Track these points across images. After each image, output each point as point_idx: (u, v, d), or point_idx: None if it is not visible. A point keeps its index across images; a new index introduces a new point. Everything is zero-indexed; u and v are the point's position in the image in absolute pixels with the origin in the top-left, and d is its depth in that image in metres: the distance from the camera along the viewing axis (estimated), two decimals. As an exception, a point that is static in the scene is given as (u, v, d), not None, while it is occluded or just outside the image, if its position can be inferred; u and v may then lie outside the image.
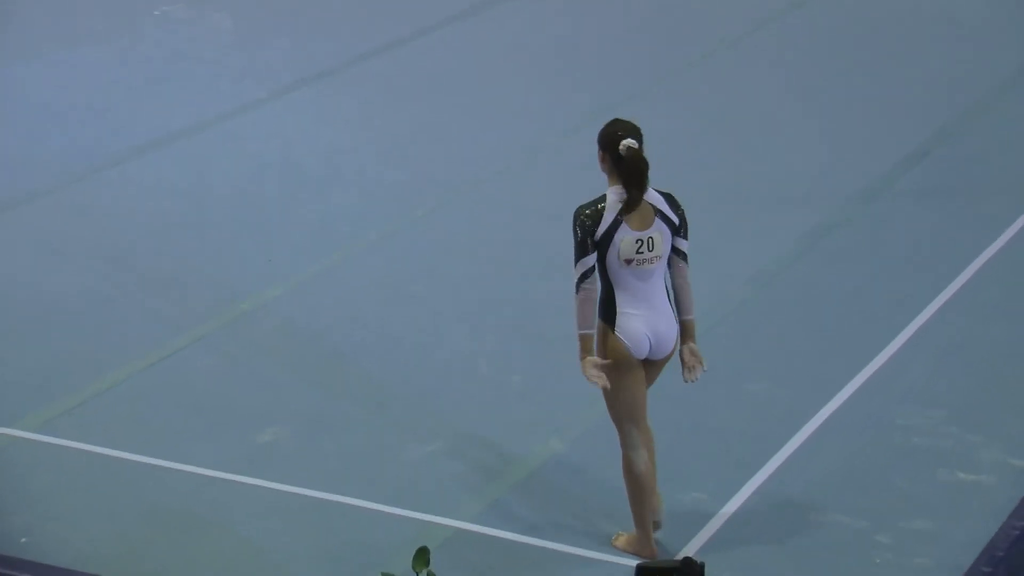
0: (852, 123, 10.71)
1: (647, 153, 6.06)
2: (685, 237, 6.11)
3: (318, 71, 11.55)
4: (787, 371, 7.55)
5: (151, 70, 11.54)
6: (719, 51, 12.18)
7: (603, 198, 6.01)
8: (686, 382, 6.13)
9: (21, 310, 8.17)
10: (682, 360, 6.12)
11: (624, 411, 6.13)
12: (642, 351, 6.05)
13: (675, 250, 6.09)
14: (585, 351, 6.00)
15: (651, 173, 6.06)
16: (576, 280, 5.99)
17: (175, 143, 10.28)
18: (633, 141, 6.03)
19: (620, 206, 5.99)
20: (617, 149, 6.03)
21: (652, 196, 6.05)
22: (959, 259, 8.62)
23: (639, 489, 6.14)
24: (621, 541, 6.28)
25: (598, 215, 5.99)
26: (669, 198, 6.10)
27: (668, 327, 6.09)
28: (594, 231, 5.98)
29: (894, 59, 11.87)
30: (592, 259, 5.98)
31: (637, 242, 5.99)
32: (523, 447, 6.93)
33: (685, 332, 6.13)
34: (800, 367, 7.59)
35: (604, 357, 6.04)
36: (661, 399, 6.43)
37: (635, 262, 6.01)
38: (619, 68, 11.79)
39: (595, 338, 6.05)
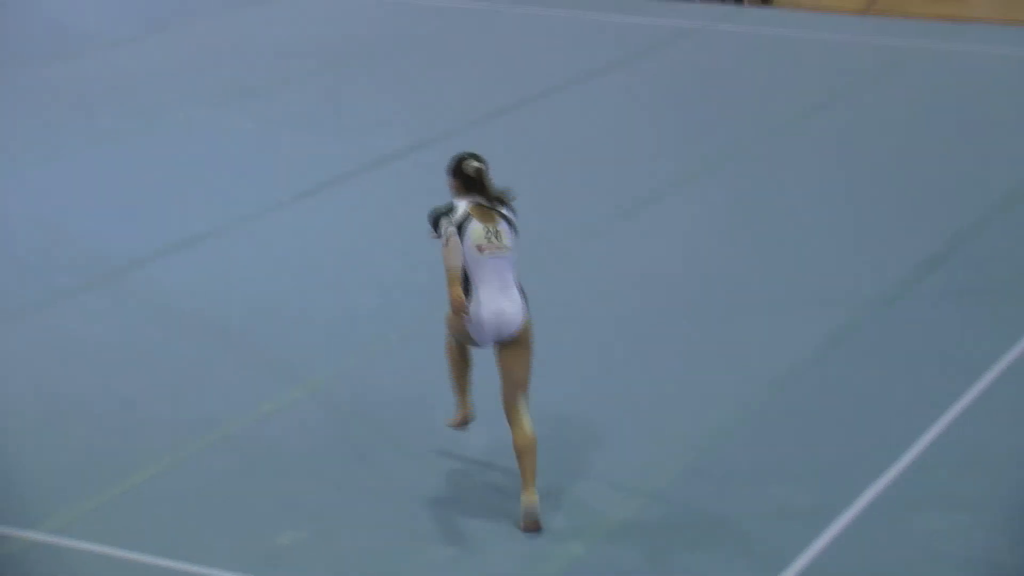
0: (874, 223, 10.73)
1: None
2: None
3: (339, 172, 11.62)
4: (810, 473, 7.52)
5: (174, 172, 11.63)
6: (743, 151, 12.24)
7: (452, 204, 7.11)
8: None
9: (42, 411, 8.18)
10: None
11: (456, 331, 7.14)
12: (482, 337, 7.07)
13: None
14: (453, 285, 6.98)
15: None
16: (445, 236, 6.99)
17: (197, 244, 10.33)
18: (476, 161, 7.21)
19: (468, 207, 7.07)
20: (463, 171, 7.20)
21: (495, 205, 7.16)
22: (981, 360, 8.60)
23: (457, 363, 7.29)
24: (452, 421, 7.44)
25: (451, 209, 7.07)
26: (501, 200, 7.19)
27: (512, 311, 7.05)
28: (446, 223, 7.03)
29: (915, 160, 11.93)
30: (453, 229, 7.00)
31: (486, 232, 7.05)
32: (541, 550, 6.89)
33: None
34: (823, 469, 7.55)
35: (453, 323, 7.12)
36: (683, 504, 6.39)
37: (487, 250, 7.03)
38: (641, 166, 11.85)
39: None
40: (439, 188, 11.24)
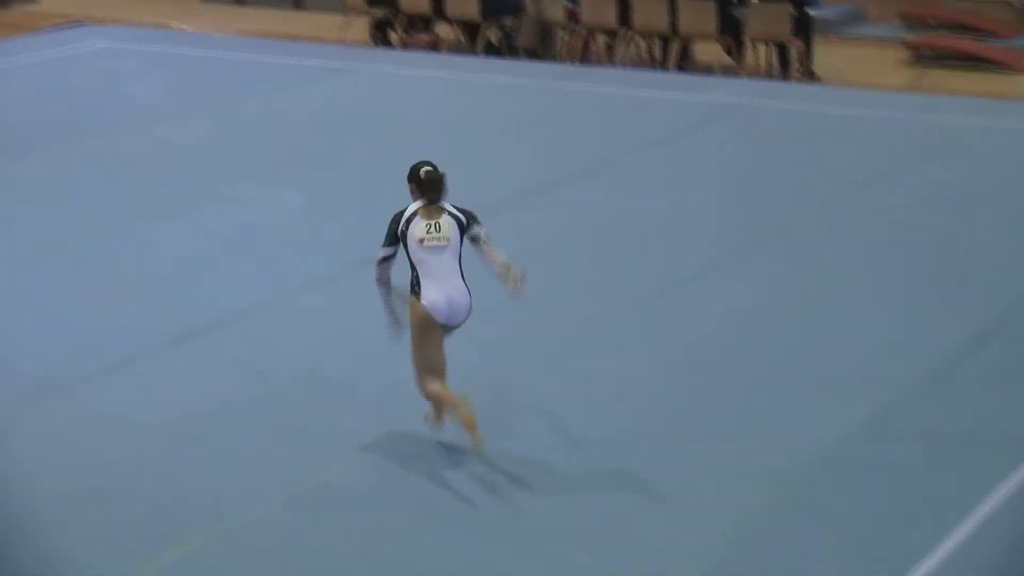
0: (922, 300, 10.70)
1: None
2: (478, 223, 8.23)
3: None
4: (853, 552, 7.46)
5: (221, 246, 11.71)
6: (790, 227, 12.24)
7: (413, 217, 8.14)
8: (509, 295, 8.06)
9: (84, 484, 8.21)
10: (504, 281, 8.10)
11: (422, 365, 8.18)
12: (440, 316, 8.08)
13: (472, 238, 8.21)
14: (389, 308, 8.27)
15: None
16: (378, 259, 8.17)
17: (242, 318, 10.38)
18: (430, 167, 8.23)
19: (417, 207, 8.12)
20: (418, 175, 8.20)
21: (444, 204, 8.17)
22: (1028, 441, 8.55)
23: (444, 397, 8.15)
24: (474, 445, 8.09)
25: (404, 214, 8.17)
26: (456, 207, 8.21)
27: (460, 299, 8.11)
28: (399, 223, 8.14)
29: (963, 237, 11.90)
30: (392, 251, 8.15)
31: (426, 225, 8.09)
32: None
33: (503, 270, 8.14)
34: (866, 549, 7.49)
35: (413, 321, 8.07)
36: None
37: (426, 240, 8.08)
38: (688, 241, 11.85)
39: (406, 308, 8.13)
40: (478, 264, 11.35)
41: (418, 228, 8.11)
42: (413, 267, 8.14)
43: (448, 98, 16.48)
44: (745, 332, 10.18)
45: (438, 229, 8.12)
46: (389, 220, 8.17)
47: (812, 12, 18.11)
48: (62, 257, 11.49)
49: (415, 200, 8.19)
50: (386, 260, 8.20)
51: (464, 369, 8.70)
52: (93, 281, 11.02)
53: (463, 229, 8.18)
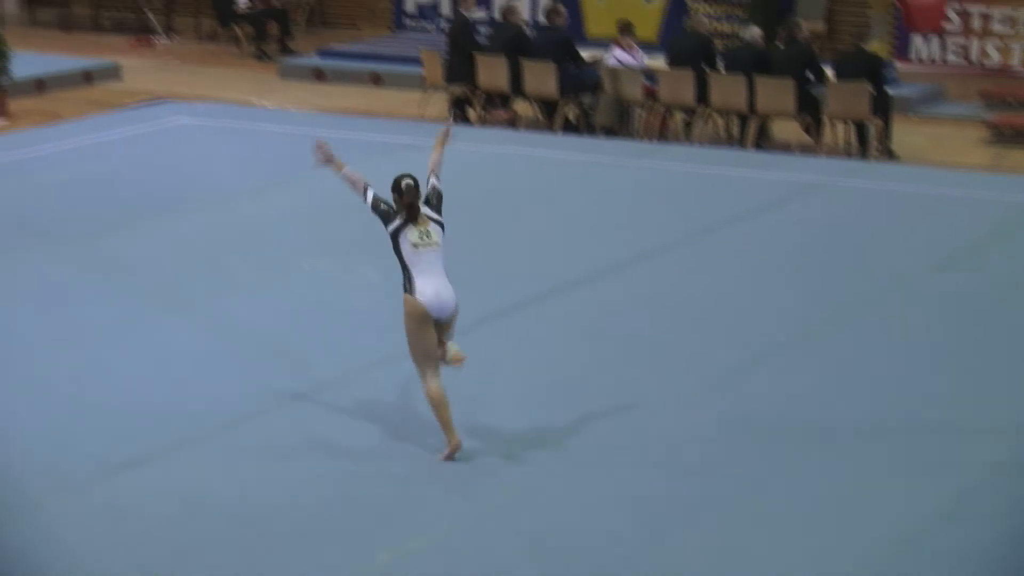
0: (996, 384, 10.64)
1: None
2: (440, 193, 9.46)
3: (462, 323, 11.68)
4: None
5: (296, 323, 11.78)
6: (867, 306, 12.20)
7: (394, 208, 9.25)
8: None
9: (156, 559, 8.24)
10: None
11: (420, 356, 9.22)
12: (432, 310, 9.13)
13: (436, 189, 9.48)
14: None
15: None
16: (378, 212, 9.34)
17: (318, 394, 10.43)
18: (410, 180, 9.25)
19: (405, 216, 9.17)
20: (400, 187, 9.24)
21: (425, 211, 9.28)
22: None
23: (439, 404, 9.18)
24: (444, 455, 9.20)
25: (393, 213, 9.27)
26: (430, 206, 9.34)
27: (448, 295, 9.21)
28: (388, 215, 9.32)
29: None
30: (371, 197, 9.42)
31: (419, 233, 9.18)
32: None
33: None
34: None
35: (411, 316, 9.15)
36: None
37: (420, 245, 9.17)
38: (764, 319, 11.83)
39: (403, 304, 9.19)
40: (565, 338, 11.41)
41: (412, 235, 9.22)
42: (405, 267, 9.24)
43: (525, 175, 16.55)
44: (821, 412, 10.13)
45: (429, 236, 9.24)
46: (387, 195, 9.32)
47: (891, 91, 18.10)
48: (141, 332, 11.59)
49: (397, 207, 9.28)
50: (365, 192, 9.46)
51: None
52: (172, 356, 11.11)
53: (443, 228, 9.36)
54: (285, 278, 12.80)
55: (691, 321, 11.89)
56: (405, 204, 9.24)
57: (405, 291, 9.24)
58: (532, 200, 15.47)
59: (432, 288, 9.20)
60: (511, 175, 16.57)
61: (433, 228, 9.27)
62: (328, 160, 9.64)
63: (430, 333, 9.24)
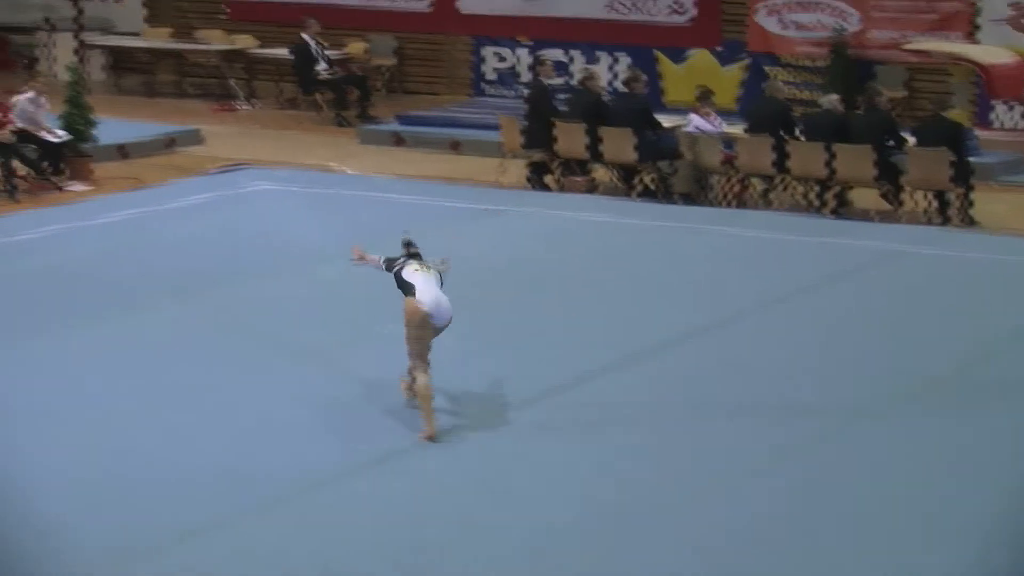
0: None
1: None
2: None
3: (535, 392, 11.70)
4: None
5: (371, 388, 11.81)
6: (950, 375, 12.11)
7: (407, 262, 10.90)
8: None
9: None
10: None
11: (416, 354, 10.67)
12: (432, 315, 10.50)
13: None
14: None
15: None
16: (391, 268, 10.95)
17: (393, 458, 10.44)
18: (414, 244, 11.01)
19: (414, 265, 10.80)
20: (408, 248, 11.00)
21: (427, 262, 10.88)
22: None
23: (425, 397, 10.62)
24: (423, 436, 10.57)
25: (401, 265, 10.87)
26: (436, 267, 10.90)
27: (446, 304, 10.62)
28: (393, 261, 10.96)
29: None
30: (384, 260, 11.04)
31: (418, 266, 10.80)
32: None
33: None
34: None
35: (413, 317, 10.53)
36: None
37: (419, 270, 10.73)
38: (841, 389, 11.75)
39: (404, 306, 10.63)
40: (643, 407, 11.38)
41: (412, 266, 10.78)
42: (406, 284, 10.68)
43: (603, 241, 16.57)
44: (899, 484, 10.04)
45: (428, 270, 10.77)
46: (389, 260, 11.00)
47: (972, 158, 18.02)
48: (220, 395, 11.66)
49: (402, 255, 10.99)
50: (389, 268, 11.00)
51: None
52: (251, 419, 11.16)
53: (440, 283, 10.80)
54: (364, 343, 12.84)
55: (768, 388, 11.83)
56: (410, 252, 10.95)
57: (408, 296, 10.58)
58: (609, 266, 15.47)
59: (431, 296, 10.54)
60: (589, 241, 16.59)
61: (433, 274, 10.76)
62: (363, 260, 11.20)
63: (427, 335, 10.59)
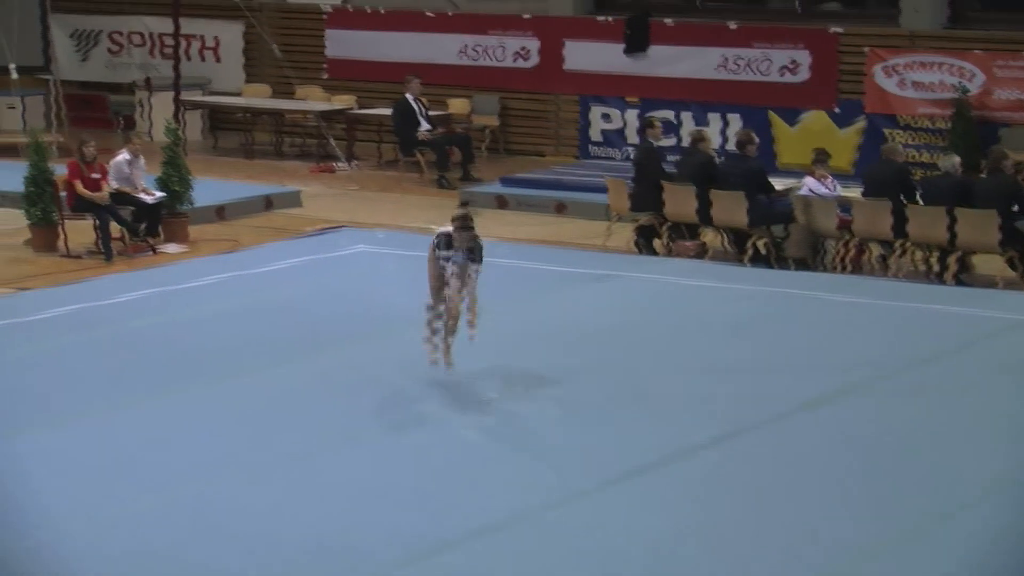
0: None
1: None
2: (480, 260, 13.23)
3: (644, 462, 11.60)
4: None
5: (474, 457, 11.76)
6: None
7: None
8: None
9: None
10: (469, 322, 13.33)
11: (429, 310, 13.25)
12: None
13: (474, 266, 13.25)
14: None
15: None
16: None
17: (495, 533, 10.37)
18: (462, 208, 13.34)
19: (451, 233, 13.10)
20: (455, 215, 13.15)
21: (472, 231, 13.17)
22: None
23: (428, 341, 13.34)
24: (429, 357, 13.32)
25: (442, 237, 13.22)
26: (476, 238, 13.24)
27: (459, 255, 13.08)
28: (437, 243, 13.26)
29: None
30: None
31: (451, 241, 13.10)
32: None
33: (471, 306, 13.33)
34: None
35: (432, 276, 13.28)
36: None
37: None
38: (965, 463, 11.55)
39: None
40: (755, 481, 11.24)
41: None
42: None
43: (712, 307, 16.45)
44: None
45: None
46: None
47: (1101, 224, 17.76)
48: (307, 465, 11.65)
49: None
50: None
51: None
52: (346, 489, 11.14)
53: (472, 250, 13.07)
54: (463, 413, 12.80)
55: (887, 462, 11.65)
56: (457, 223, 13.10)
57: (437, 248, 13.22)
58: (719, 334, 15.34)
59: (444, 230, 13.23)
60: (698, 308, 16.47)
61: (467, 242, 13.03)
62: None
63: (441, 299, 13.12)
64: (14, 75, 23.51)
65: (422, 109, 25.16)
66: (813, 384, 13.59)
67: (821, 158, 19.33)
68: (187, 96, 27.09)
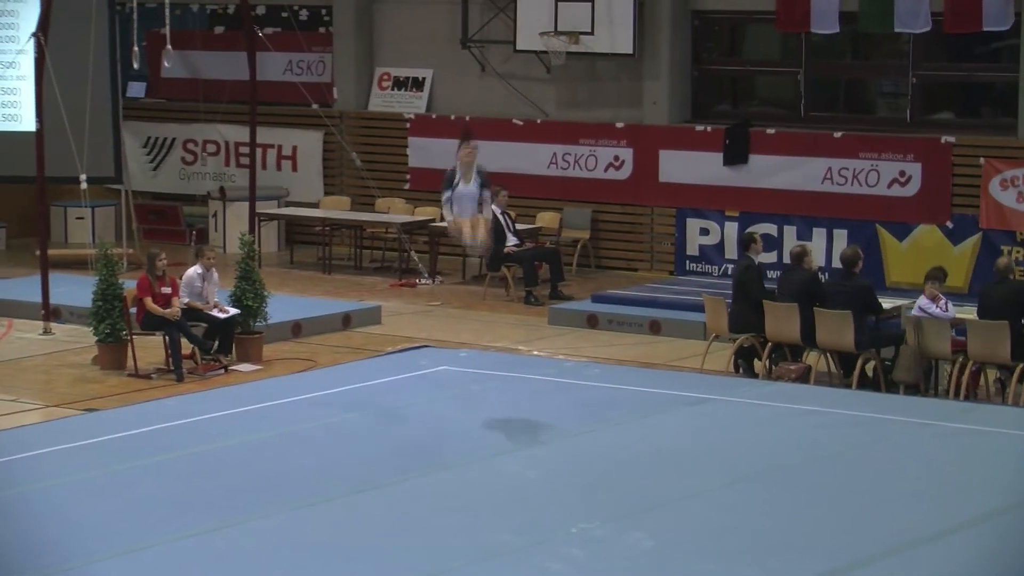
0: None
1: None
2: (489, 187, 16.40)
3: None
4: None
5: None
6: None
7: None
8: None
9: None
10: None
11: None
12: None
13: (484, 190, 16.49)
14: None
15: None
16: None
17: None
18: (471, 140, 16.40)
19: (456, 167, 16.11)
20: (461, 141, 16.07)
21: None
22: None
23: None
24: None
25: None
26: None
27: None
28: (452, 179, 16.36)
29: None
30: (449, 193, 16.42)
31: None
32: None
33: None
34: None
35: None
36: None
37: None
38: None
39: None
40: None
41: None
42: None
43: (817, 435, 16.33)
44: None
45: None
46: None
47: None
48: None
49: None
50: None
51: None
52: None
53: (483, 184, 16.07)
54: (549, 543, 12.74)
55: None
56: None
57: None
58: (825, 463, 15.22)
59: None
60: (801, 435, 16.35)
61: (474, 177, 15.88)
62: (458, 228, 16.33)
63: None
64: (84, 186, 23.81)
65: (509, 222, 25.30)
66: (928, 517, 13.40)
67: (936, 275, 19.19)
68: (263, 207, 27.39)
